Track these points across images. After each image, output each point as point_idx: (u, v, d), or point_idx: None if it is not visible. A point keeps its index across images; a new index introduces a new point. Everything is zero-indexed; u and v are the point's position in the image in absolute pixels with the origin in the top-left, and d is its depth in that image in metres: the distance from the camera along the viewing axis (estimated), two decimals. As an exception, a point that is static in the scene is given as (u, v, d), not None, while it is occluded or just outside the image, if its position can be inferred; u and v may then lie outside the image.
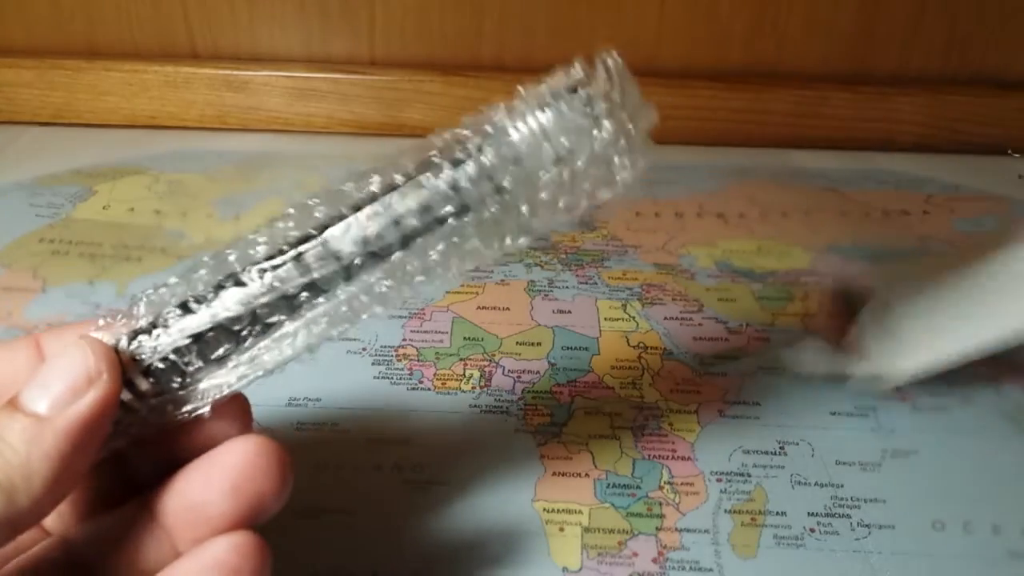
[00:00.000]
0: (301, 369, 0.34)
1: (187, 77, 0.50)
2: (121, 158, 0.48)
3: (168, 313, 0.20)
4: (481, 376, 0.34)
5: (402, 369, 0.34)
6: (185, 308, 0.20)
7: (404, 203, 0.19)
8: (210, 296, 0.20)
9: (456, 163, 0.20)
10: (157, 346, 0.20)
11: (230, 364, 0.21)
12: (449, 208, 0.19)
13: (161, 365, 0.20)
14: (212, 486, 0.21)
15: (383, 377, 0.34)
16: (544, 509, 0.29)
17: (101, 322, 0.21)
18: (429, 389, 0.33)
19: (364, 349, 0.35)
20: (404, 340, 0.35)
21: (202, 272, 0.20)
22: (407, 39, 0.51)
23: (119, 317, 0.20)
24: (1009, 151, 0.51)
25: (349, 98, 0.50)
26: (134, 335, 0.20)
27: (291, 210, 0.20)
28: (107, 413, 0.19)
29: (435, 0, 0.49)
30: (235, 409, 0.22)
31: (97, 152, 0.46)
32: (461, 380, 0.34)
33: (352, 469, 0.30)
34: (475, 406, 0.33)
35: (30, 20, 0.51)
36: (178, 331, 0.20)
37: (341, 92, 0.50)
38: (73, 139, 0.49)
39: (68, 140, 0.48)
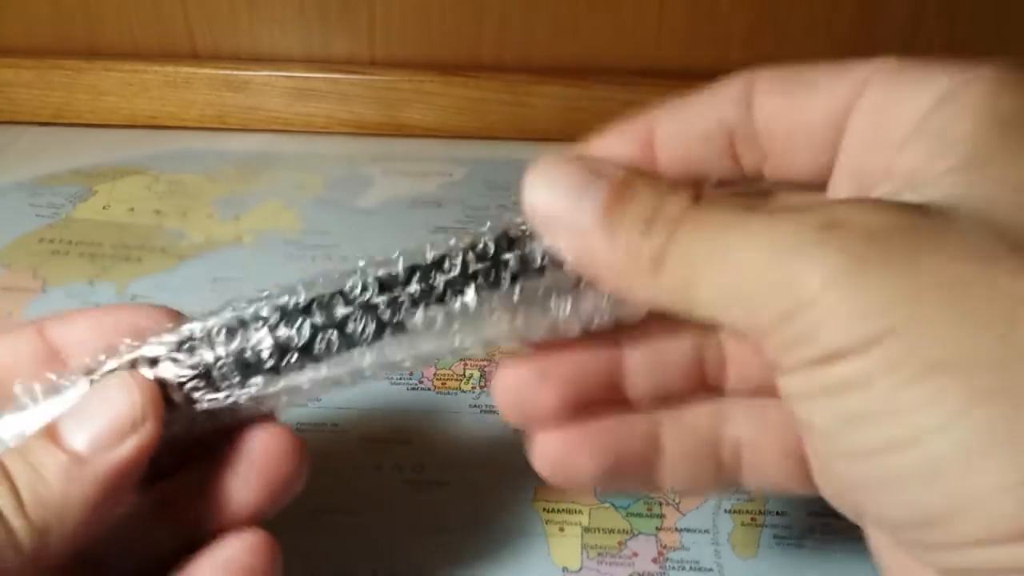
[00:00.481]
0: (301, 369, 0.34)
1: (187, 77, 0.50)
2: (121, 158, 0.48)
3: (215, 335, 0.20)
4: (481, 376, 0.34)
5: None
6: (231, 334, 0.20)
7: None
8: (258, 326, 0.20)
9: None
10: (199, 370, 0.20)
11: (273, 388, 0.21)
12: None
13: (205, 390, 0.20)
14: (238, 473, 0.21)
15: (383, 377, 0.34)
16: (544, 509, 0.29)
17: (128, 340, 0.20)
18: (429, 389, 0.33)
19: (364, 349, 0.35)
20: (404, 340, 0.35)
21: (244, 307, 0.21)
22: (407, 39, 0.51)
23: (154, 335, 0.20)
24: (1009, 151, 0.51)
25: (349, 98, 0.50)
26: (176, 352, 0.20)
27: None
28: (147, 456, 0.19)
29: (435, 0, 0.49)
30: None
31: (97, 152, 0.46)
32: (461, 380, 0.34)
33: (352, 469, 0.30)
34: (475, 406, 0.33)
35: (30, 20, 0.50)
36: (225, 356, 0.20)
37: (341, 92, 0.50)
38: (73, 139, 0.49)
39: (68, 140, 0.48)
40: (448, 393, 0.33)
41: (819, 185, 0.20)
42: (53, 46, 0.51)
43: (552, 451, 0.20)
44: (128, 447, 0.18)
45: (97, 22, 0.50)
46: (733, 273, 0.16)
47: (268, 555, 0.21)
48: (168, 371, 0.20)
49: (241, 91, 0.50)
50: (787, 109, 0.19)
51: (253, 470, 0.21)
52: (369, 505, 0.29)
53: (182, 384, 0.20)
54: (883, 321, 0.13)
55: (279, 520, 0.28)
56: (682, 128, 0.20)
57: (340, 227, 0.43)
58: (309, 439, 0.31)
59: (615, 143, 0.21)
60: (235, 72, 0.50)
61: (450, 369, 0.34)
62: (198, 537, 0.21)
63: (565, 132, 0.51)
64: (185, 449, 0.21)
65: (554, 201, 0.18)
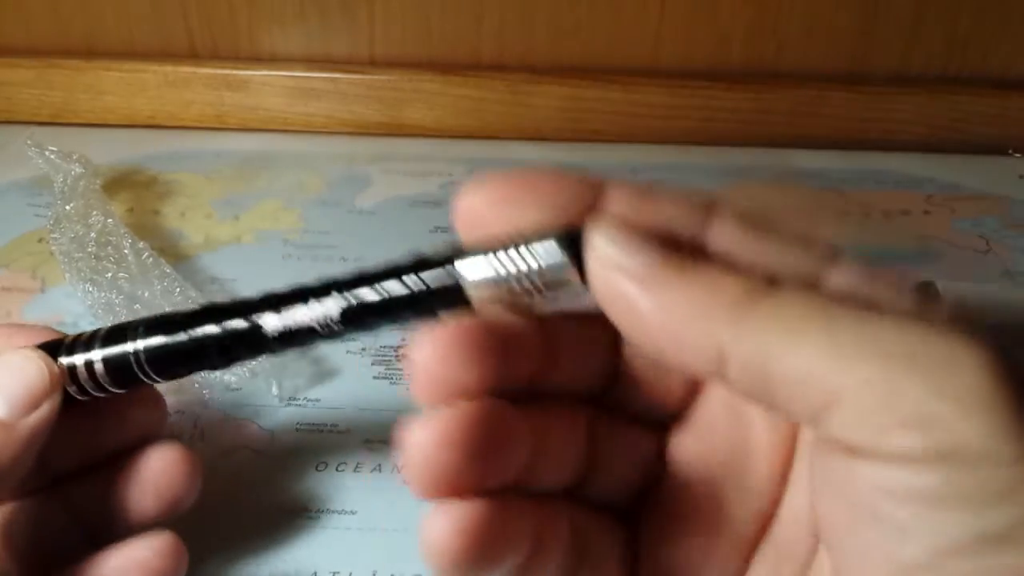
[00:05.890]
0: (301, 369, 0.34)
1: (186, 77, 0.50)
2: (120, 158, 0.48)
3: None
4: (481, 376, 0.34)
5: (402, 369, 0.34)
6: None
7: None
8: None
9: None
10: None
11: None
12: None
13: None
14: (136, 487, 0.23)
15: (383, 377, 0.34)
16: (545, 509, 0.29)
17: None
18: (429, 389, 0.33)
19: (364, 349, 0.35)
20: (404, 340, 0.35)
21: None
22: (407, 39, 0.51)
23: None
24: (1009, 151, 0.51)
25: (349, 98, 0.50)
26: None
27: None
28: (53, 422, 0.22)
29: (435, 0, 0.49)
30: (150, 397, 0.25)
31: (96, 152, 0.46)
32: (461, 380, 0.34)
33: (352, 469, 0.30)
34: (475, 406, 0.33)
35: (30, 20, 0.50)
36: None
37: (341, 92, 0.50)
38: (72, 139, 0.49)
39: (67, 140, 0.47)
40: (448, 393, 0.33)
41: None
42: (52, 46, 0.51)
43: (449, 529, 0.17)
44: (44, 411, 0.21)
45: (96, 22, 0.50)
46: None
47: (174, 557, 0.23)
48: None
49: (240, 91, 0.50)
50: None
51: (150, 485, 0.24)
52: (369, 505, 0.29)
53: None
54: None
55: (279, 519, 0.28)
56: None
57: (340, 227, 0.43)
58: (309, 439, 0.31)
59: None
60: (234, 72, 0.50)
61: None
62: (99, 537, 0.23)
63: (565, 132, 0.51)
64: (83, 452, 0.24)
65: (620, 251, 0.16)
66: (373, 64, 0.51)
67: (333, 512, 0.28)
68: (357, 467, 0.30)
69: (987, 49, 0.51)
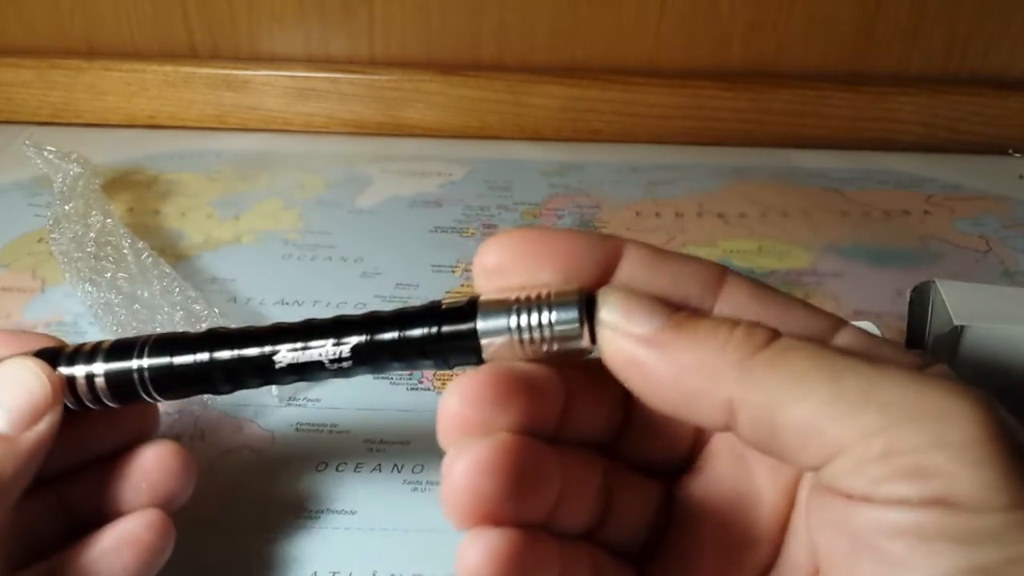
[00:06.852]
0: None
1: (186, 77, 0.50)
2: (121, 158, 0.48)
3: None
4: (481, 376, 0.34)
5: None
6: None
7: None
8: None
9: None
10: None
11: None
12: None
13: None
14: (130, 484, 0.23)
15: (383, 377, 0.34)
16: (544, 509, 0.29)
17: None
18: (429, 389, 0.33)
19: (364, 349, 0.35)
20: (404, 340, 0.35)
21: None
22: (407, 38, 0.51)
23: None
24: (1009, 151, 0.51)
25: (349, 98, 0.50)
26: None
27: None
28: (55, 435, 0.21)
29: (435, 0, 0.49)
30: (143, 405, 0.24)
31: (96, 152, 0.46)
32: (461, 380, 0.34)
33: (352, 469, 0.30)
34: (475, 406, 0.33)
35: (30, 20, 0.50)
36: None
37: (341, 92, 0.50)
38: (72, 139, 0.49)
39: (67, 140, 0.47)
40: (448, 393, 0.33)
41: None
42: (52, 46, 0.51)
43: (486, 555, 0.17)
44: (45, 424, 0.21)
45: (96, 22, 0.50)
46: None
47: (162, 532, 0.23)
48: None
49: (240, 91, 0.50)
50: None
51: (144, 482, 0.23)
52: (369, 505, 0.29)
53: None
54: None
55: (279, 519, 0.28)
56: None
57: (340, 227, 0.43)
58: (309, 439, 0.31)
59: None
60: (234, 72, 0.50)
61: (451, 369, 0.34)
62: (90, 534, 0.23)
63: (565, 132, 0.51)
64: (70, 455, 0.24)
65: (627, 320, 0.17)
66: (373, 64, 0.51)
67: (333, 512, 0.28)
68: (357, 467, 0.30)
69: (987, 49, 0.51)
